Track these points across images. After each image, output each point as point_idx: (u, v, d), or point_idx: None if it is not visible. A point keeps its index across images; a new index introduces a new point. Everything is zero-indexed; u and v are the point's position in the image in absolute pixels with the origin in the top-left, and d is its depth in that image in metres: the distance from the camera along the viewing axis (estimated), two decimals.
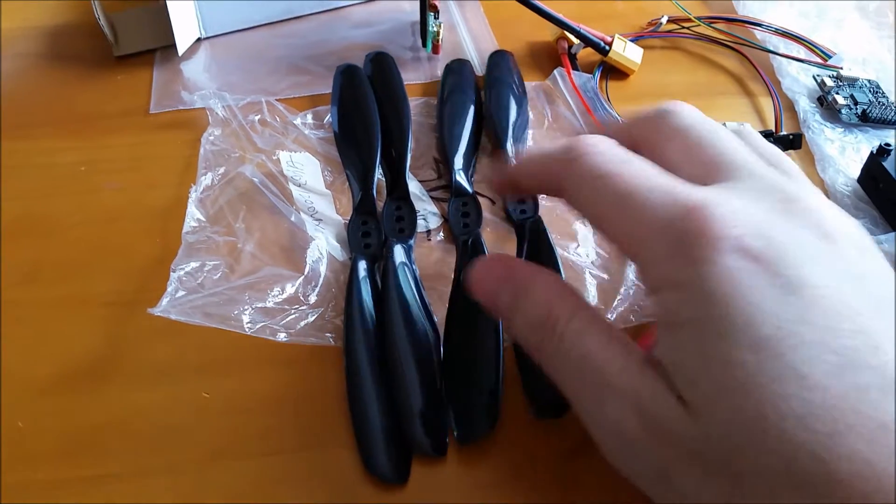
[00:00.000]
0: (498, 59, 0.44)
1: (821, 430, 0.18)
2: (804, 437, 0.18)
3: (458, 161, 0.37)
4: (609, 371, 0.22)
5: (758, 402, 0.19)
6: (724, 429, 0.19)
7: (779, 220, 0.21)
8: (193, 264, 0.32)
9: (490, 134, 0.40)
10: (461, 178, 0.37)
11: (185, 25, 0.44)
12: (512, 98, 0.41)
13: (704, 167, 0.23)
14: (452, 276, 0.33)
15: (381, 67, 0.42)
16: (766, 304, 0.19)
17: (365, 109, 0.40)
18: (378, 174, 0.37)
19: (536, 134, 0.41)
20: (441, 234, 0.36)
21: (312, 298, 0.32)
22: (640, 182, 0.22)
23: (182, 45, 0.44)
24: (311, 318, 0.31)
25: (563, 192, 0.25)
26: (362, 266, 0.32)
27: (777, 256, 0.20)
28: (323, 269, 0.33)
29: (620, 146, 0.24)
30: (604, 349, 0.22)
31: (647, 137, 0.25)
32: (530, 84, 0.43)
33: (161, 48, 0.45)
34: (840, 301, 0.20)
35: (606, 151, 0.23)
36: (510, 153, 0.38)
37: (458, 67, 0.43)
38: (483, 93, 0.42)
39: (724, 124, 0.28)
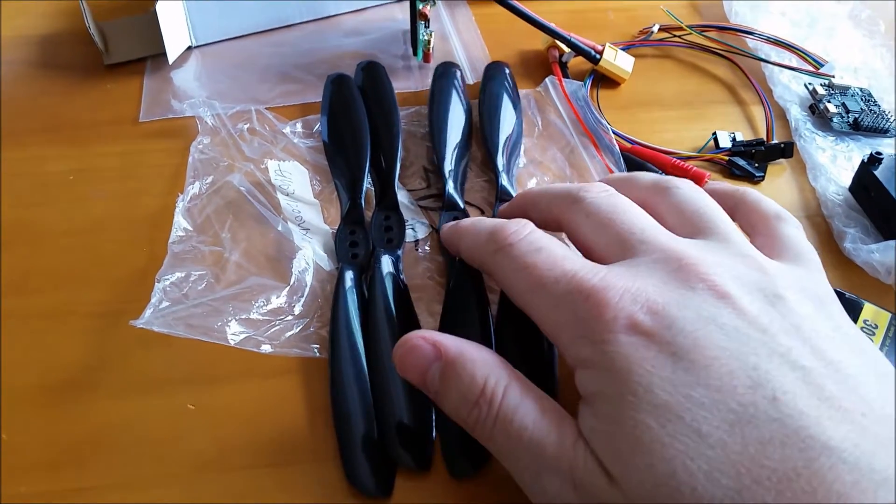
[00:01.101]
0: (494, 72, 0.43)
1: (729, 486, 0.19)
2: (715, 492, 0.19)
3: (449, 170, 0.37)
4: (545, 445, 0.22)
5: (667, 462, 0.20)
6: (641, 491, 0.20)
7: (670, 290, 0.23)
8: (179, 274, 0.32)
9: (482, 148, 0.40)
10: (453, 190, 0.36)
11: (175, 34, 0.44)
12: (505, 114, 0.40)
13: (614, 246, 0.25)
14: (443, 291, 0.33)
15: (372, 77, 0.42)
16: (660, 372, 0.21)
17: (354, 119, 0.39)
18: (367, 183, 0.37)
19: (527, 142, 0.40)
20: (429, 244, 0.35)
21: (298, 309, 0.32)
22: (548, 273, 0.24)
23: (172, 54, 0.44)
24: (296, 330, 0.31)
25: (492, 276, 0.27)
26: (349, 276, 0.32)
27: (668, 327, 0.22)
28: (309, 279, 0.33)
29: (534, 231, 0.26)
30: (538, 424, 0.23)
31: (566, 217, 0.28)
32: (521, 92, 0.43)
33: (151, 57, 0.45)
34: (734, 358, 0.21)
35: (523, 241, 0.26)
36: (500, 168, 0.37)
37: (445, 71, 0.43)
38: (478, 103, 0.41)
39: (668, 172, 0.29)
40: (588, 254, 0.27)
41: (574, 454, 0.22)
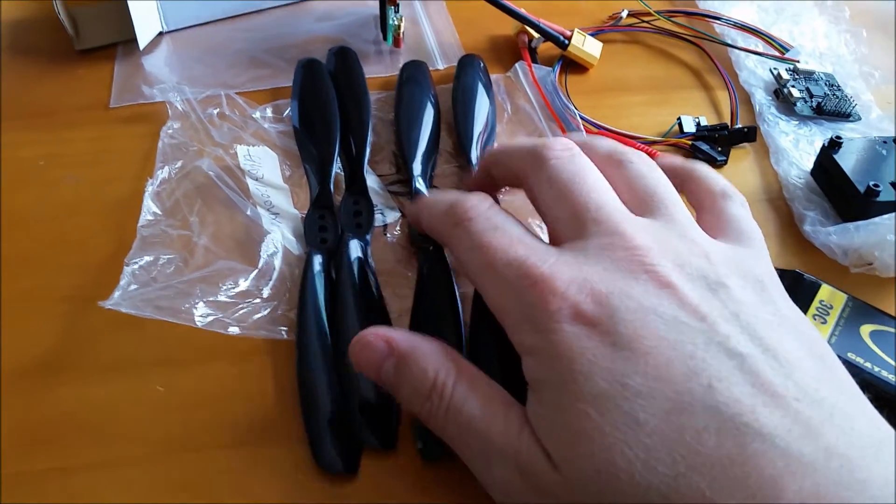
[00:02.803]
0: (467, 65, 0.43)
1: (666, 472, 0.20)
2: (652, 479, 0.20)
3: (417, 167, 0.37)
4: (492, 433, 0.23)
5: (605, 450, 0.20)
6: (582, 477, 0.21)
7: (616, 278, 0.23)
8: (147, 258, 0.32)
9: (455, 141, 0.40)
10: (420, 185, 0.37)
11: (146, 20, 0.44)
12: (480, 107, 0.41)
13: (568, 221, 0.26)
14: (410, 276, 0.33)
15: (344, 62, 0.42)
16: (600, 361, 0.21)
17: (325, 104, 0.40)
18: (336, 168, 0.37)
19: (497, 127, 0.41)
20: (398, 229, 0.36)
21: (266, 292, 0.32)
22: (500, 256, 0.25)
23: (143, 40, 0.44)
24: (264, 312, 0.32)
25: (450, 250, 0.27)
26: (318, 260, 0.33)
27: (609, 316, 0.22)
28: (278, 262, 0.33)
29: (492, 207, 0.27)
30: (486, 412, 0.23)
31: (528, 181, 0.28)
32: (492, 77, 0.43)
33: (123, 42, 0.45)
34: (672, 348, 0.21)
35: (481, 217, 0.26)
36: (475, 162, 0.38)
37: (413, 72, 0.43)
38: (451, 95, 0.42)
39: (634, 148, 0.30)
40: (545, 222, 0.27)
41: (519, 441, 0.22)
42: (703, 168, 0.30)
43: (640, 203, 0.26)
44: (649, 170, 0.28)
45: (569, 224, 0.26)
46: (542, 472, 0.22)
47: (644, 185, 0.27)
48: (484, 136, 0.39)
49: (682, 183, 0.30)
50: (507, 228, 0.26)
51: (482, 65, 0.43)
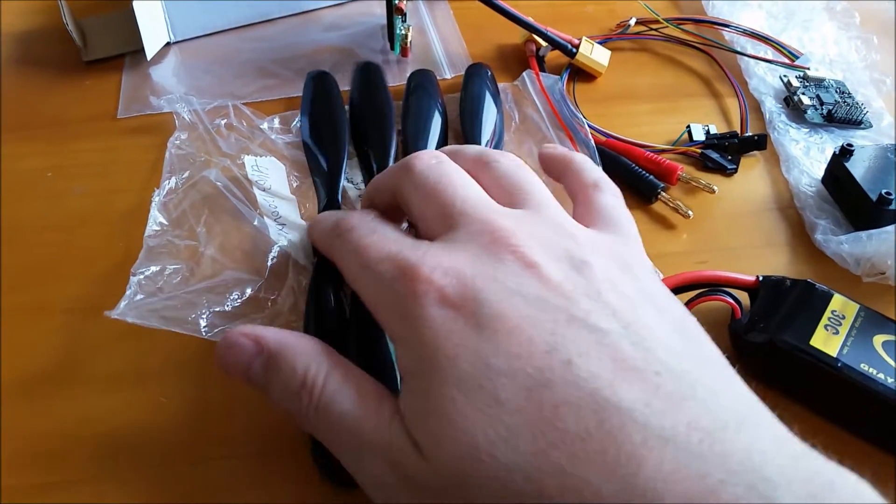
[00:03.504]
0: (474, 73, 0.43)
1: (527, 451, 0.20)
2: (514, 458, 0.20)
3: None
4: (363, 429, 0.23)
5: (469, 432, 0.20)
6: (448, 464, 0.21)
7: (481, 262, 0.23)
8: (154, 268, 0.32)
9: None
10: None
11: (153, 30, 0.44)
12: (487, 117, 0.40)
13: (437, 219, 0.26)
14: None
15: (368, 78, 0.42)
16: (465, 344, 0.22)
17: (334, 117, 0.40)
18: (343, 180, 0.37)
19: (504, 136, 0.41)
20: None
21: (272, 303, 0.32)
22: (374, 254, 0.25)
23: (151, 50, 0.45)
24: (270, 323, 0.31)
25: (334, 261, 0.28)
26: (325, 271, 0.32)
27: (473, 298, 0.22)
28: (284, 273, 0.33)
29: (374, 218, 0.28)
30: (358, 407, 0.23)
31: (400, 191, 0.28)
32: (499, 86, 0.43)
33: (130, 53, 0.45)
34: (533, 325, 0.21)
35: (359, 226, 0.27)
36: None
37: (420, 81, 0.43)
38: (459, 104, 0.42)
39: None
40: (419, 228, 0.28)
41: (389, 433, 0.22)
42: (579, 159, 0.31)
43: (508, 197, 0.27)
44: (516, 167, 0.28)
45: (437, 220, 0.26)
46: (411, 463, 0.21)
47: (511, 181, 0.28)
48: (491, 145, 0.39)
49: (560, 174, 0.30)
50: (384, 231, 0.26)
51: (490, 73, 0.43)
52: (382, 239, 0.26)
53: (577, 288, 0.23)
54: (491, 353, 0.21)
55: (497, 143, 0.40)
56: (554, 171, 0.31)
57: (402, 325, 0.23)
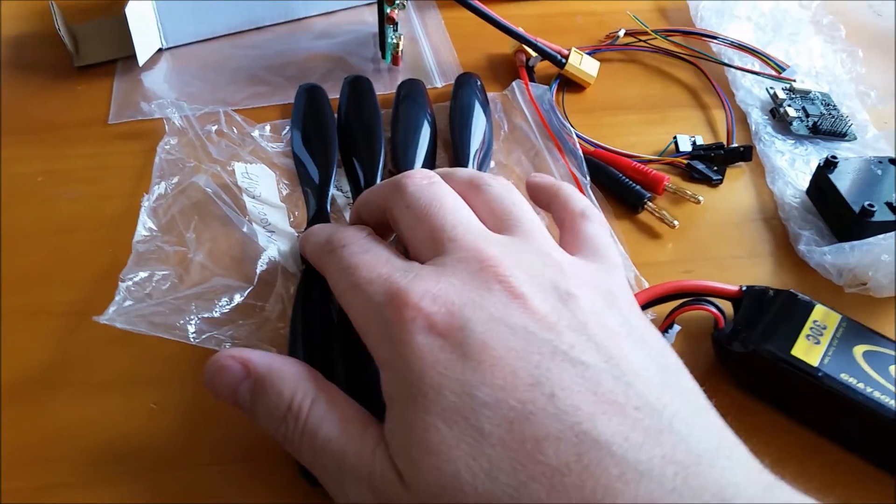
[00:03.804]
0: (464, 83, 0.44)
1: (507, 483, 0.20)
2: (495, 490, 0.20)
3: None
4: (346, 455, 0.23)
5: (451, 463, 0.20)
6: (429, 493, 0.21)
7: (469, 290, 0.24)
8: (142, 274, 0.33)
9: (452, 158, 0.40)
10: None
11: (145, 36, 0.45)
12: (476, 125, 0.41)
13: (427, 243, 0.26)
14: None
15: (357, 92, 0.42)
16: (450, 373, 0.22)
17: (324, 130, 0.40)
18: (332, 188, 0.37)
19: (494, 145, 0.41)
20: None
21: (261, 309, 0.32)
22: (366, 274, 0.25)
23: (142, 56, 0.45)
24: (258, 329, 0.32)
25: (326, 277, 0.28)
26: (313, 279, 0.33)
27: (460, 328, 0.22)
28: (273, 280, 0.33)
29: (367, 236, 0.28)
30: (343, 434, 0.23)
31: (391, 211, 0.28)
32: (489, 95, 0.44)
33: (122, 58, 0.46)
34: (518, 357, 0.22)
35: (354, 244, 0.27)
36: None
37: (409, 90, 0.43)
38: (448, 113, 0.42)
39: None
40: (408, 248, 0.28)
41: (373, 460, 0.22)
42: (567, 188, 0.31)
43: (498, 222, 0.27)
44: (508, 192, 0.29)
45: (428, 244, 0.26)
46: (392, 491, 0.22)
47: (502, 206, 0.28)
48: (481, 154, 0.40)
49: (549, 202, 0.31)
50: (376, 251, 0.27)
51: (479, 83, 0.44)
52: (374, 259, 0.26)
53: (562, 320, 0.23)
54: (475, 385, 0.21)
55: (486, 152, 0.40)
56: (541, 199, 0.31)
57: (389, 351, 0.23)
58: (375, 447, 0.23)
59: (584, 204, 0.30)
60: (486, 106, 0.42)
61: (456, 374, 0.22)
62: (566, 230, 0.29)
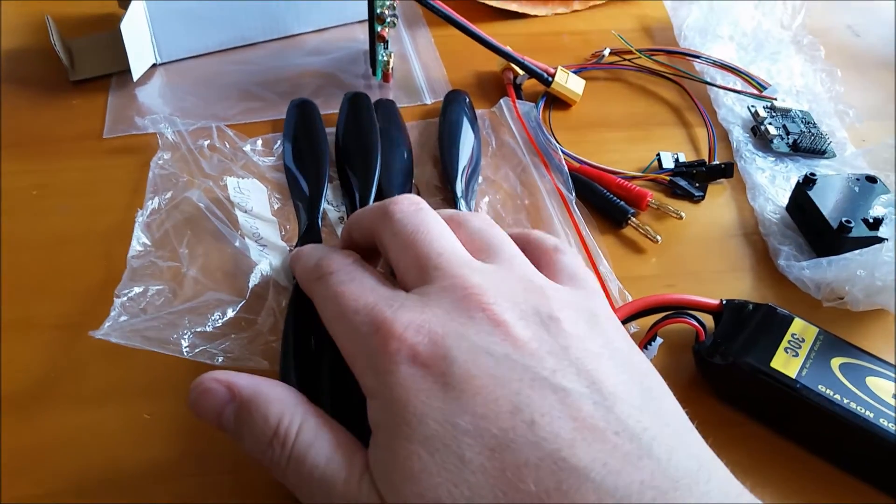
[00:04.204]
0: (453, 100, 0.44)
1: None
2: None
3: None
4: (335, 483, 0.23)
5: (432, 490, 0.21)
6: None
7: (452, 319, 0.24)
8: (137, 289, 0.33)
9: (441, 174, 0.41)
10: None
11: (140, 51, 0.45)
12: (464, 141, 0.42)
13: (413, 270, 0.27)
14: None
15: (356, 109, 0.43)
16: (433, 402, 0.22)
17: (316, 144, 0.41)
18: (324, 203, 0.38)
19: (482, 161, 0.42)
20: (380, 267, 0.37)
21: (253, 323, 0.33)
22: (352, 303, 0.26)
23: (137, 71, 0.45)
24: (250, 343, 0.32)
25: (313, 301, 0.29)
26: (304, 293, 0.33)
27: (443, 357, 0.23)
28: (265, 294, 0.34)
29: (353, 263, 0.28)
30: (330, 461, 0.23)
31: (378, 236, 0.29)
32: (477, 112, 0.44)
33: (117, 73, 0.46)
34: (500, 385, 0.22)
35: (341, 271, 0.28)
36: (459, 194, 0.39)
37: (382, 111, 0.44)
38: (438, 130, 0.43)
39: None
40: (395, 273, 0.28)
41: (359, 489, 0.23)
42: (536, 231, 0.32)
43: (481, 252, 0.28)
44: (489, 226, 0.29)
45: (414, 272, 0.27)
46: None
47: (483, 237, 0.29)
48: (469, 170, 0.40)
49: (523, 247, 0.31)
50: (363, 280, 0.27)
51: (468, 100, 0.45)
52: (359, 288, 0.26)
53: (543, 346, 0.23)
54: (458, 413, 0.22)
55: (474, 168, 0.41)
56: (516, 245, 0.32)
57: (375, 380, 0.24)
58: (362, 475, 0.23)
59: (556, 240, 0.31)
60: (474, 122, 0.43)
61: (438, 403, 0.22)
62: (543, 266, 0.29)
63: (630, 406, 0.22)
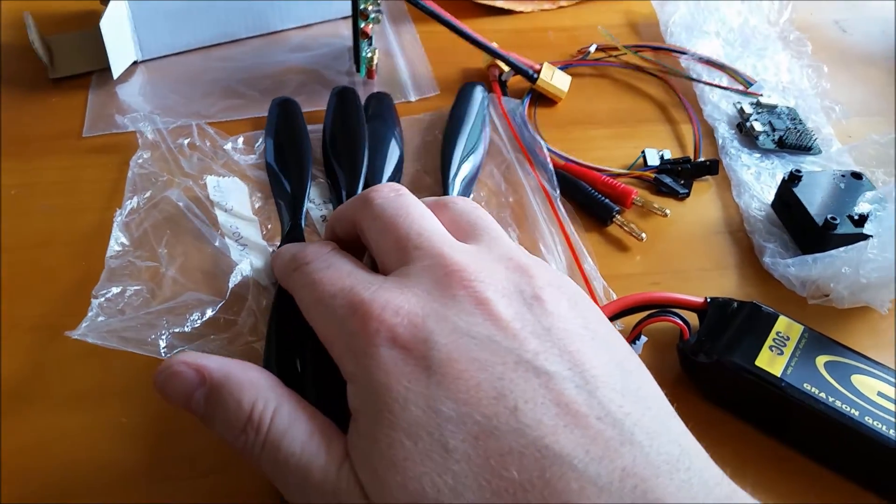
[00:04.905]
0: (467, 95, 0.44)
1: (472, 500, 0.20)
2: None
3: None
4: (311, 470, 0.22)
5: (416, 479, 0.20)
6: None
7: (433, 300, 0.24)
8: (115, 289, 0.33)
9: (439, 165, 0.41)
10: None
11: (121, 49, 0.45)
12: (467, 142, 0.41)
13: (393, 253, 0.26)
14: None
15: (344, 104, 0.43)
16: (415, 387, 0.22)
17: (298, 142, 0.40)
18: (307, 202, 0.37)
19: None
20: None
21: (232, 324, 0.33)
22: (328, 289, 0.25)
23: (117, 69, 0.45)
24: (230, 344, 0.32)
25: (293, 295, 0.28)
26: (286, 292, 0.33)
27: (424, 340, 0.22)
28: (245, 294, 0.34)
29: (330, 251, 0.28)
30: (307, 448, 0.23)
31: (359, 223, 0.29)
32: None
33: (97, 71, 0.46)
34: (482, 369, 0.22)
35: (316, 260, 0.27)
36: (450, 178, 0.39)
37: (376, 105, 0.43)
38: (445, 124, 0.43)
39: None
40: (378, 261, 0.28)
41: (338, 476, 0.22)
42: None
43: (464, 234, 0.27)
44: (472, 208, 0.29)
45: (394, 254, 0.26)
46: None
47: (466, 219, 0.28)
48: (469, 169, 0.40)
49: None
50: (340, 265, 0.27)
51: (486, 95, 0.44)
52: (336, 273, 0.26)
53: (527, 326, 0.23)
54: (440, 399, 0.21)
55: (474, 174, 0.40)
56: None
57: (354, 364, 0.23)
58: (342, 462, 0.22)
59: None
60: (484, 121, 0.43)
61: (420, 388, 0.22)
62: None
63: (612, 390, 0.22)
